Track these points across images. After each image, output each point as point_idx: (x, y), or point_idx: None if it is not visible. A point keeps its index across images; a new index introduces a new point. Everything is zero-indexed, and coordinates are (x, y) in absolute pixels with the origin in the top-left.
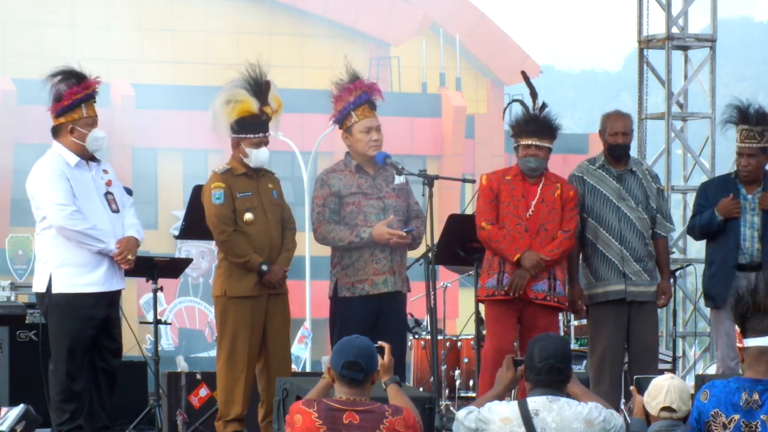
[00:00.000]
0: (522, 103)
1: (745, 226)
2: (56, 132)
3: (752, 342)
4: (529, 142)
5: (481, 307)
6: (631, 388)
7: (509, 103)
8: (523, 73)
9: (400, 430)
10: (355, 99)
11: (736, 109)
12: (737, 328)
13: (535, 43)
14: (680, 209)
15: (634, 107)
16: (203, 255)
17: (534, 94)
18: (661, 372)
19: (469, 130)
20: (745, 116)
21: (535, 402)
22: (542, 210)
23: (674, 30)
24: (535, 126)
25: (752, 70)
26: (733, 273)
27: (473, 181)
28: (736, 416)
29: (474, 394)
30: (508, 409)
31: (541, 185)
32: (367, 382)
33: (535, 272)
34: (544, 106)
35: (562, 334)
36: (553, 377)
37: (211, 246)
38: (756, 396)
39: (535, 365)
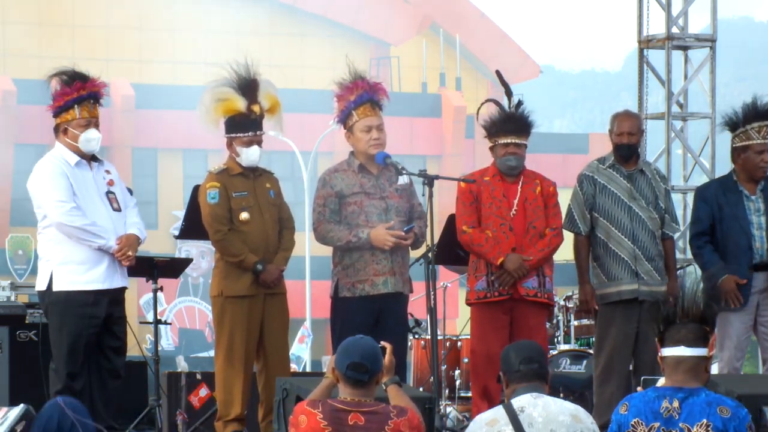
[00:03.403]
0: (496, 102)
1: (753, 228)
2: (56, 132)
3: (669, 352)
4: (508, 141)
5: (467, 310)
6: (638, 389)
7: (482, 103)
8: (497, 72)
9: (405, 431)
10: (356, 98)
11: (742, 108)
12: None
13: (535, 43)
14: (680, 209)
15: (634, 107)
16: (203, 255)
17: (509, 93)
18: None
19: (469, 130)
20: (759, 112)
21: (519, 401)
22: (528, 208)
23: (674, 30)
24: (513, 124)
25: (752, 70)
26: (750, 274)
27: (474, 181)
28: (656, 424)
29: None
30: (493, 412)
31: (520, 183)
32: (371, 383)
33: (518, 275)
34: (519, 103)
35: (562, 334)
36: (533, 367)
37: (211, 246)
38: (676, 404)
39: (513, 363)
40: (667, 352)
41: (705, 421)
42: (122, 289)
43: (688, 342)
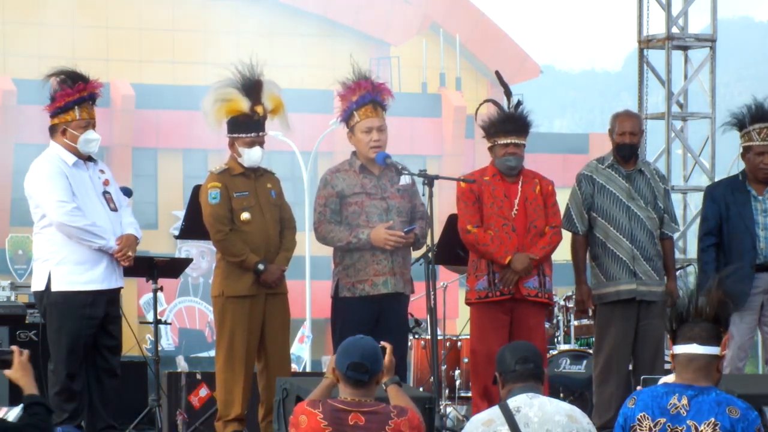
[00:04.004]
0: (495, 102)
1: (758, 228)
2: (52, 132)
3: (681, 349)
4: (508, 141)
5: (467, 310)
6: (638, 388)
7: (481, 104)
8: (497, 73)
9: (405, 431)
10: (359, 99)
11: (747, 109)
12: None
13: (535, 43)
14: (680, 209)
15: (634, 107)
16: (203, 255)
17: (508, 93)
18: (668, 372)
19: (469, 130)
20: (761, 114)
21: (515, 401)
22: (528, 208)
23: (674, 30)
24: (513, 125)
25: (752, 70)
26: (752, 273)
27: (474, 181)
28: (663, 419)
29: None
30: (489, 412)
31: (520, 183)
32: (372, 383)
33: (524, 274)
34: (519, 103)
35: (562, 334)
36: (529, 368)
37: (211, 246)
38: (685, 401)
39: (509, 364)
40: (680, 349)
41: (713, 420)
42: (118, 289)
43: (702, 340)
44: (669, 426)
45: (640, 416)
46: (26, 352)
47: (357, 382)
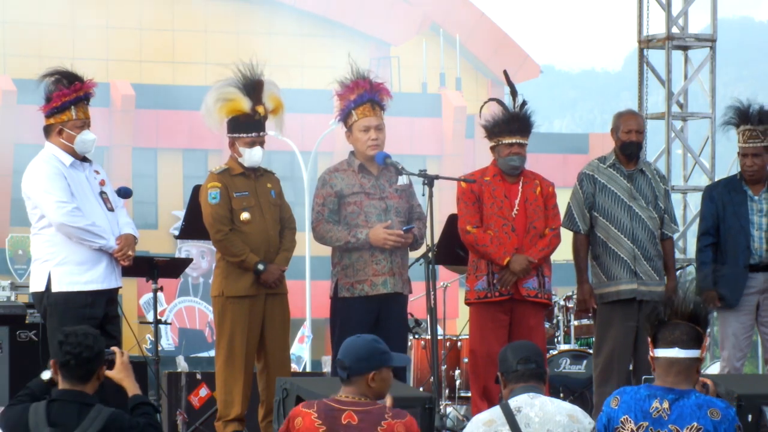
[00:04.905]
0: (500, 102)
1: (753, 228)
2: (47, 132)
3: (662, 353)
4: (513, 141)
5: (467, 310)
6: None
7: (485, 102)
8: (504, 72)
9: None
10: (357, 98)
11: (736, 110)
12: (649, 338)
13: (535, 43)
14: (680, 209)
15: (634, 107)
16: (203, 255)
17: (514, 93)
18: None
19: (469, 130)
20: (746, 116)
21: (516, 401)
22: (528, 208)
23: (674, 30)
24: (518, 124)
25: (752, 70)
26: (746, 273)
27: (474, 181)
28: (645, 423)
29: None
30: (490, 412)
31: (521, 184)
32: (361, 381)
33: (522, 276)
34: (524, 103)
35: (562, 334)
36: (530, 367)
37: (211, 246)
38: (666, 405)
39: (510, 364)
40: (661, 353)
41: (695, 424)
42: (117, 289)
43: (683, 343)
44: (651, 430)
45: (623, 419)
46: (127, 353)
47: (341, 379)
